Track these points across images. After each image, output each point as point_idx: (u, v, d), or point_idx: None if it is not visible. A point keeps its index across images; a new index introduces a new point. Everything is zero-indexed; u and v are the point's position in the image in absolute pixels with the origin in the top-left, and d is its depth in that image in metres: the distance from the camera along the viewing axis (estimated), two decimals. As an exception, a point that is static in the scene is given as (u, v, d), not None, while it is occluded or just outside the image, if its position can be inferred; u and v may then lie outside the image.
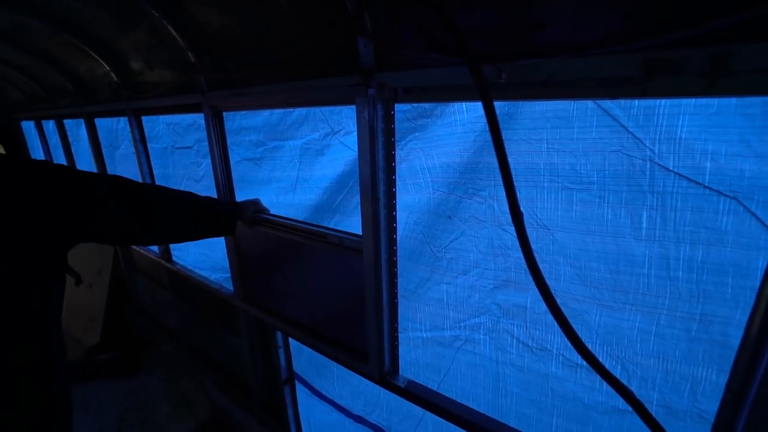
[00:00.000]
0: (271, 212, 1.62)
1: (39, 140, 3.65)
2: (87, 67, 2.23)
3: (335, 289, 1.48)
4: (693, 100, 0.83)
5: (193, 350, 2.86)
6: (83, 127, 2.88)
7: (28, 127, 4.00)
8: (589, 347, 0.76)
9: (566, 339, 0.77)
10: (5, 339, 0.97)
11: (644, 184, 0.89)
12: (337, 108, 1.34)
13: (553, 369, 1.12)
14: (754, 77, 0.63)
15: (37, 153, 3.90)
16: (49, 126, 3.59)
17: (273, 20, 1.16)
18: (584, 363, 0.78)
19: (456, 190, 1.23)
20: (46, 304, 1.06)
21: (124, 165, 2.58)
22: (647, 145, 0.87)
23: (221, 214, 1.47)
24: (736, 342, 0.76)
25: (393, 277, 1.29)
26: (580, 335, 0.75)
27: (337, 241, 1.37)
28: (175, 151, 2.08)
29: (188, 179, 2.04)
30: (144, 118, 2.19)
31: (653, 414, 0.75)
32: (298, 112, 1.45)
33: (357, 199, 1.20)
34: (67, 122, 3.11)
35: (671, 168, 0.86)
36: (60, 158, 3.37)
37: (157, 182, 2.29)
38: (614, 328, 1.00)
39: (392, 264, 1.27)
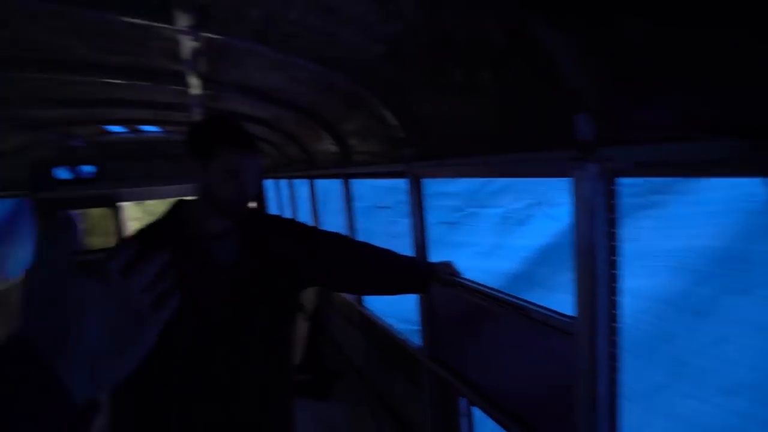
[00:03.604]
0: (464, 275, 1.68)
1: (274, 194, 4.94)
2: (316, 143, 2.92)
3: (535, 368, 1.39)
4: None
5: (375, 390, 3.12)
6: (305, 186, 3.74)
7: (267, 184, 5.49)
8: None
9: None
10: (279, 361, 1.28)
11: None
12: (544, 179, 1.32)
13: None
14: None
15: (272, 204, 5.26)
16: (280, 184, 4.80)
17: (479, 101, 1.26)
18: None
19: (710, 282, 1.00)
20: (292, 331, 1.37)
21: (332, 218, 3.20)
22: None
23: (419, 273, 1.61)
24: None
25: (613, 371, 1.12)
26: None
27: (542, 318, 1.30)
28: (376, 209, 2.44)
29: (386, 235, 2.34)
30: (352, 181, 2.69)
31: None
32: (500, 181, 1.50)
33: (564, 275, 1.13)
34: (295, 182, 4.11)
35: None
36: (287, 208, 4.44)
37: (359, 236, 2.72)
38: None
39: (612, 357, 1.11)
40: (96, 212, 6.10)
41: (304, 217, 3.93)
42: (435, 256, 1.88)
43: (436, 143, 1.61)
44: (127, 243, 1.04)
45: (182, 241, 1.13)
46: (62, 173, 5.00)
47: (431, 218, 1.81)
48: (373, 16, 1.11)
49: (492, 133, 1.28)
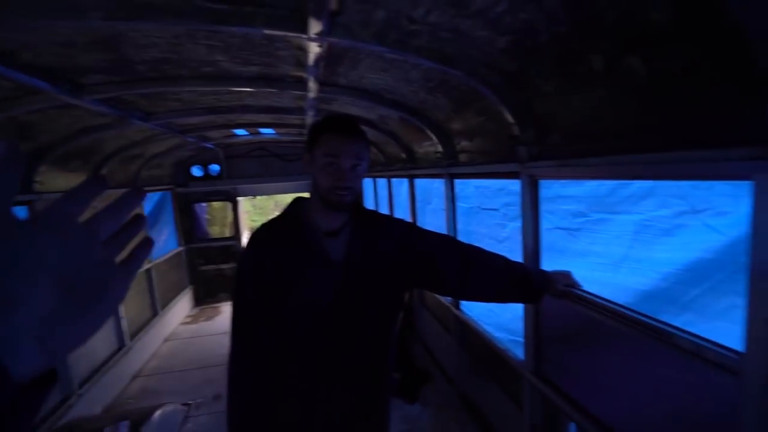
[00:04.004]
0: (583, 288, 1.52)
1: (373, 192, 5.11)
2: (419, 141, 2.92)
3: (674, 404, 1.19)
4: None
5: (465, 400, 3.03)
6: (404, 184, 3.78)
7: (365, 182, 5.71)
8: None
9: None
10: (380, 357, 1.30)
11: None
12: (704, 182, 1.10)
13: None
14: None
15: (368, 201, 5.45)
16: (378, 182, 4.94)
17: (622, 91, 1.11)
18: None
19: None
20: (394, 329, 1.37)
21: (431, 218, 3.19)
22: None
23: (532, 282, 1.48)
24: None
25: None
26: None
27: (690, 347, 1.10)
28: (480, 211, 2.36)
29: (490, 238, 2.24)
30: (456, 181, 2.63)
31: None
32: (640, 184, 1.31)
33: (728, 299, 0.93)
34: (393, 180, 4.20)
35: None
36: (384, 206, 4.56)
37: (459, 237, 2.66)
38: None
39: (801, 410, 0.89)
40: (216, 205, 6.99)
41: (402, 215, 3.99)
42: (547, 264, 1.74)
43: (560, 141, 1.48)
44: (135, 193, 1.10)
45: (298, 237, 1.20)
46: (196, 171, 5.88)
47: (545, 223, 1.67)
48: (504, 6, 1.05)
49: (636, 128, 1.12)
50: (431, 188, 3.13)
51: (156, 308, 4.91)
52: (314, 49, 1.48)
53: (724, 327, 0.97)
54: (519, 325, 2.04)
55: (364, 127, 3.24)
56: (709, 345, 1.05)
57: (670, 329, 1.16)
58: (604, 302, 1.41)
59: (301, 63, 1.81)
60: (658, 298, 1.30)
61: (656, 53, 0.92)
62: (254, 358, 1.20)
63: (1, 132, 2.29)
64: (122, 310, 4.00)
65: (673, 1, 0.78)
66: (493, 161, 1.98)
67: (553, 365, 1.79)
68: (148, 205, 4.97)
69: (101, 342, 3.69)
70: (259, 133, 4.54)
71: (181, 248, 5.89)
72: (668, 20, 0.82)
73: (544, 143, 1.57)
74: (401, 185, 3.90)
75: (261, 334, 1.19)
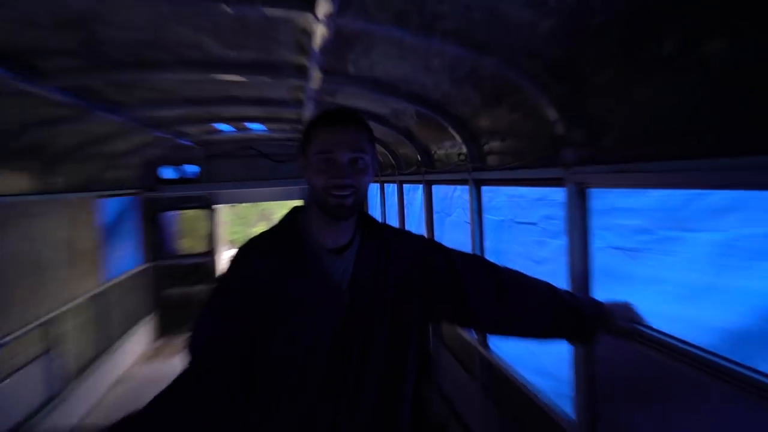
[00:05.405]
0: (648, 324, 1.48)
1: (379, 200, 5.13)
2: (438, 141, 2.94)
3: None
4: None
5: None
6: (417, 191, 3.80)
7: (371, 187, 5.72)
8: None
9: None
10: (393, 414, 1.27)
11: None
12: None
13: None
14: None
15: (374, 210, 5.47)
16: (387, 189, 4.98)
17: (700, 82, 1.11)
18: None
19: None
20: (412, 377, 1.32)
21: (452, 232, 3.16)
22: None
23: (585, 315, 1.41)
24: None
25: None
26: None
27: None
28: (514, 225, 2.34)
29: (526, 258, 2.22)
30: (484, 189, 2.63)
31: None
32: (722, 194, 1.29)
33: None
34: (405, 187, 4.21)
35: None
36: (393, 216, 4.58)
37: (488, 256, 2.62)
38: None
39: None
40: (188, 214, 6.85)
41: (416, 228, 3.98)
42: (599, 293, 1.70)
43: (615, 143, 1.48)
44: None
45: (295, 254, 1.17)
46: (168, 173, 5.92)
47: (598, 241, 1.66)
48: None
49: (716, 126, 1.12)
50: (452, 196, 3.13)
51: (106, 341, 4.78)
52: (321, 33, 1.50)
53: None
54: (566, 370, 1.97)
55: (373, 124, 3.26)
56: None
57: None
58: (679, 344, 1.34)
59: (303, 48, 1.84)
60: (753, 341, 1.26)
61: (753, 34, 0.91)
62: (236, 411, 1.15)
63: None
64: (57, 346, 3.74)
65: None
66: (530, 165, 1.98)
67: (612, 426, 1.72)
68: (107, 214, 4.94)
69: (24, 389, 3.42)
70: (247, 129, 4.59)
71: (143, 266, 5.87)
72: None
73: (595, 145, 1.57)
74: (415, 192, 3.91)
75: (237, 383, 1.13)
